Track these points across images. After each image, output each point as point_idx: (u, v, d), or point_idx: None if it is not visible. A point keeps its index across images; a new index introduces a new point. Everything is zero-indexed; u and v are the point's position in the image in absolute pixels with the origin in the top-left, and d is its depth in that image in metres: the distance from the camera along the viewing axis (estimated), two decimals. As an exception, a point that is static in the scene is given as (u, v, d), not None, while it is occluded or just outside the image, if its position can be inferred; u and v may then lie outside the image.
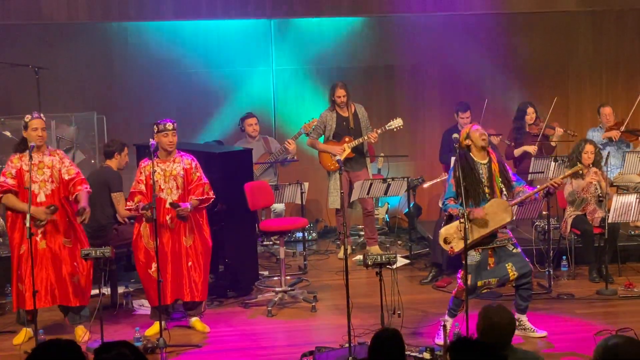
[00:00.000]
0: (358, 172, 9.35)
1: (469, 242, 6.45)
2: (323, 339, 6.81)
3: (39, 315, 6.87)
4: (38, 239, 6.86)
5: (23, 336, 7.01)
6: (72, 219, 7.04)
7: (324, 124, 9.36)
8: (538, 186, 6.97)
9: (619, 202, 8.01)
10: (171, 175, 7.12)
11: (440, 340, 6.55)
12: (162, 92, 10.85)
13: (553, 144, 9.86)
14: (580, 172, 8.08)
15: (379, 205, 10.43)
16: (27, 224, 6.48)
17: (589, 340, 6.47)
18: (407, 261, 9.14)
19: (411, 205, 9.68)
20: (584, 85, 11.48)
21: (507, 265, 6.65)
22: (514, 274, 6.64)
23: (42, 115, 7.03)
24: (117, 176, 7.98)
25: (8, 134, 9.29)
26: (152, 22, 10.72)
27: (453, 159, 8.33)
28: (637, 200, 7.99)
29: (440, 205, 8.34)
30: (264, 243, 9.88)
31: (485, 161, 6.66)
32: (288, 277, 8.24)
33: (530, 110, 9.80)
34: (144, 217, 6.96)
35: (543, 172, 9.14)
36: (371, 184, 8.98)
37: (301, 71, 11.11)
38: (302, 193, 9.39)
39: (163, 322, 6.75)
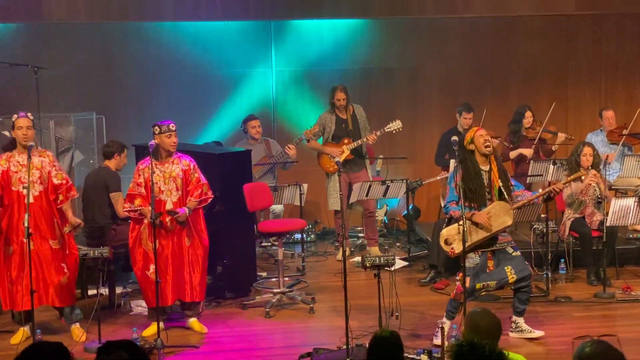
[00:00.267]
0: (357, 173, 9.36)
1: (470, 244, 6.46)
2: (321, 341, 6.80)
3: (36, 315, 6.85)
4: (24, 240, 6.84)
5: (20, 336, 7.00)
6: (58, 220, 7.03)
7: (323, 126, 9.37)
8: (540, 190, 6.97)
9: (618, 205, 8.01)
10: (170, 176, 7.11)
11: (438, 342, 6.55)
12: (162, 92, 10.86)
13: (553, 148, 9.86)
14: (582, 177, 8.08)
15: (378, 207, 10.43)
16: (26, 224, 6.48)
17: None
18: (406, 263, 9.14)
19: (410, 207, 9.68)
20: (583, 89, 11.49)
21: (506, 268, 6.65)
22: (513, 277, 6.65)
23: (28, 114, 6.97)
24: (116, 176, 7.98)
25: (7, 133, 9.27)
26: (152, 22, 10.71)
27: (452, 161, 8.36)
28: (636, 203, 8.00)
29: (441, 204, 8.36)
30: (263, 244, 9.89)
31: (487, 168, 6.66)
32: (286, 279, 8.24)
33: (528, 114, 9.80)
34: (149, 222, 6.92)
35: (542, 175, 9.14)
36: (370, 186, 8.99)
37: (301, 73, 11.12)
38: (301, 194, 9.40)
39: (161, 323, 6.76)
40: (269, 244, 9.93)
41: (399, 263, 8.95)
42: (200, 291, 7.20)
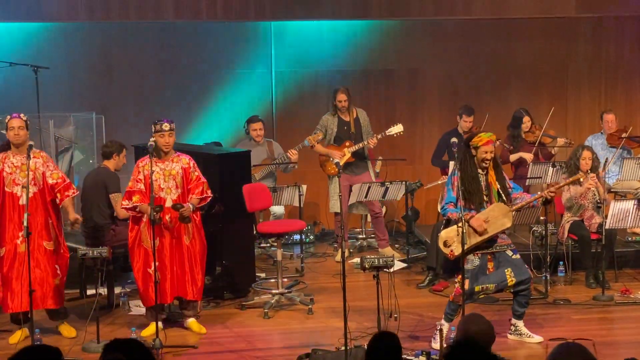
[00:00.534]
0: (360, 175, 9.36)
1: (468, 246, 6.46)
2: (319, 342, 6.81)
3: (35, 315, 6.86)
4: (19, 241, 6.83)
5: (19, 336, 6.98)
6: (53, 222, 7.02)
7: (325, 128, 9.37)
8: (538, 193, 6.97)
9: (617, 208, 8.01)
10: (170, 174, 7.11)
11: (436, 344, 6.56)
12: (161, 92, 10.86)
13: (553, 151, 9.86)
14: (581, 179, 8.09)
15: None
16: (25, 224, 6.48)
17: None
18: (405, 265, 9.14)
19: (409, 209, 9.69)
20: (583, 91, 11.49)
21: (506, 271, 6.64)
22: (512, 280, 6.64)
23: (22, 115, 6.94)
24: (115, 177, 7.98)
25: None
26: (152, 22, 10.72)
27: (452, 163, 8.35)
28: (635, 206, 8.00)
29: (439, 209, 8.34)
30: (262, 245, 9.88)
31: (484, 171, 6.65)
32: (285, 280, 8.24)
33: (526, 118, 9.78)
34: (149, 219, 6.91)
35: (541, 178, 9.14)
36: (369, 187, 8.99)
37: (300, 74, 11.12)
38: (300, 195, 9.39)
39: (159, 323, 6.76)
40: (268, 244, 9.93)
41: (398, 265, 8.94)
42: (199, 290, 7.19)
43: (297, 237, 9.92)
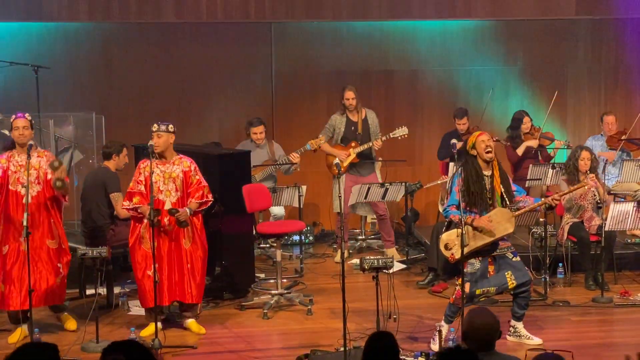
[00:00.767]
0: (366, 177, 9.36)
1: (471, 249, 6.45)
2: (318, 342, 6.81)
3: (34, 314, 6.86)
4: (22, 239, 6.84)
5: (18, 335, 6.99)
6: (55, 220, 7.03)
7: (333, 127, 9.36)
8: (542, 199, 6.97)
9: (616, 210, 8.02)
10: (170, 177, 7.10)
11: (435, 346, 6.56)
12: (161, 93, 10.85)
13: (552, 154, 9.86)
14: (582, 182, 8.07)
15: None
16: (25, 223, 6.48)
17: (584, 348, 6.49)
18: (404, 266, 9.13)
19: (408, 210, 9.68)
20: (582, 93, 11.48)
21: (506, 274, 6.64)
22: (512, 283, 6.64)
23: (26, 115, 6.99)
24: (115, 177, 7.98)
25: (7, 132, 9.27)
26: (152, 22, 10.72)
27: (452, 164, 8.35)
28: (634, 208, 8.01)
29: (440, 209, 8.35)
30: (261, 245, 9.88)
31: (489, 173, 6.64)
32: (284, 280, 8.24)
33: (526, 119, 9.79)
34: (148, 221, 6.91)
35: (541, 179, 9.15)
36: (369, 188, 8.99)
37: (300, 74, 11.11)
38: (299, 196, 9.39)
39: (159, 323, 6.76)
40: (267, 245, 9.92)
41: (397, 266, 8.94)
42: (198, 293, 7.19)
43: (296, 237, 9.92)
